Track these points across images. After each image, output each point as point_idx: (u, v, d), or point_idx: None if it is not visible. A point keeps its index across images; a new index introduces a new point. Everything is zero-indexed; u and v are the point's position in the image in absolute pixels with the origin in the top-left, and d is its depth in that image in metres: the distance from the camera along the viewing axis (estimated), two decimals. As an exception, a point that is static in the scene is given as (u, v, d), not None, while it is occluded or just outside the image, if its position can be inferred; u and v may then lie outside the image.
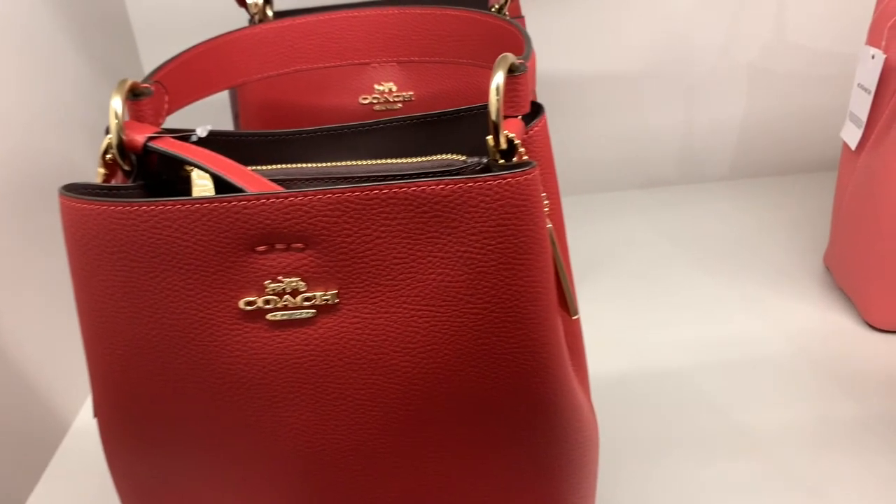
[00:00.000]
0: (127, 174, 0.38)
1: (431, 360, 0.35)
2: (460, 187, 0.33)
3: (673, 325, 0.65)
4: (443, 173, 0.38)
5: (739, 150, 0.88)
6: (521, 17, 0.58)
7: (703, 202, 0.85)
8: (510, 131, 0.36)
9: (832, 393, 0.57)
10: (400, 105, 0.60)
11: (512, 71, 0.36)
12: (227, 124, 0.73)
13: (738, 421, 0.55)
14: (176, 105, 0.44)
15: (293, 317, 0.35)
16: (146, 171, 0.39)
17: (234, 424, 0.37)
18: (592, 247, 0.78)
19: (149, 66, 0.83)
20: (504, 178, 0.33)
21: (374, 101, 0.60)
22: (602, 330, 0.66)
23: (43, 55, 0.64)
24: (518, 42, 0.42)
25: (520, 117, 0.37)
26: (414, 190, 0.33)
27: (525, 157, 0.36)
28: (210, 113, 0.67)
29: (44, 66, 0.64)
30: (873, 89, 0.59)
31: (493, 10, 0.59)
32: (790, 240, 0.76)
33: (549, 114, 0.84)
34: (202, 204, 0.33)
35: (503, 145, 0.35)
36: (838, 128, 0.77)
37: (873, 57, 0.59)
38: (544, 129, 0.39)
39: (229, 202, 0.33)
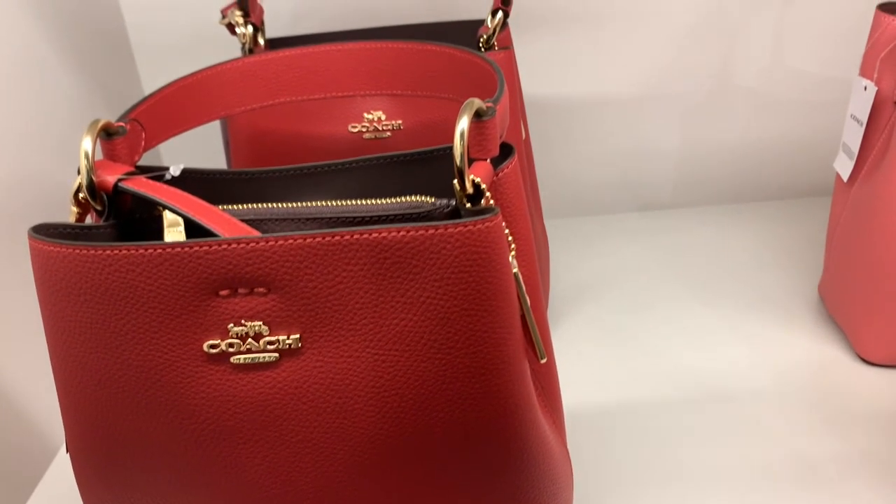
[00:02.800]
0: (99, 213, 0.39)
1: (395, 405, 0.35)
2: (422, 234, 0.33)
3: (659, 357, 0.65)
4: (410, 216, 0.38)
5: (737, 174, 0.88)
6: (507, 49, 0.58)
7: (699, 226, 0.84)
8: (477, 175, 0.36)
9: (821, 428, 0.56)
10: (389, 134, 0.60)
11: (479, 115, 0.36)
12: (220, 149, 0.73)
13: (724, 457, 0.55)
14: (155, 141, 0.44)
15: (256, 360, 0.35)
16: (120, 209, 0.39)
17: (201, 465, 0.37)
18: (583, 271, 0.78)
19: (149, 85, 0.83)
20: (465, 226, 0.33)
21: (364, 130, 0.60)
22: (585, 360, 0.65)
23: (39, 76, 0.64)
24: (494, 81, 0.42)
25: (488, 160, 0.37)
26: (375, 236, 0.33)
27: (491, 202, 0.36)
28: (204, 137, 0.68)
29: (39, 88, 0.64)
30: (865, 121, 0.59)
31: (481, 39, 0.59)
32: (786, 266, 0.75)
33: (546, 137, 0.85)
34: (164, 249, 0.33)
35: (469, 189, 0.35)
36: (836, 153, 0.76)
37: (865, 88, 0.59)
38: (514, 171, 0.39)
39: (191, 248, 0.33)
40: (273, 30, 0.73)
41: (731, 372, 0.62)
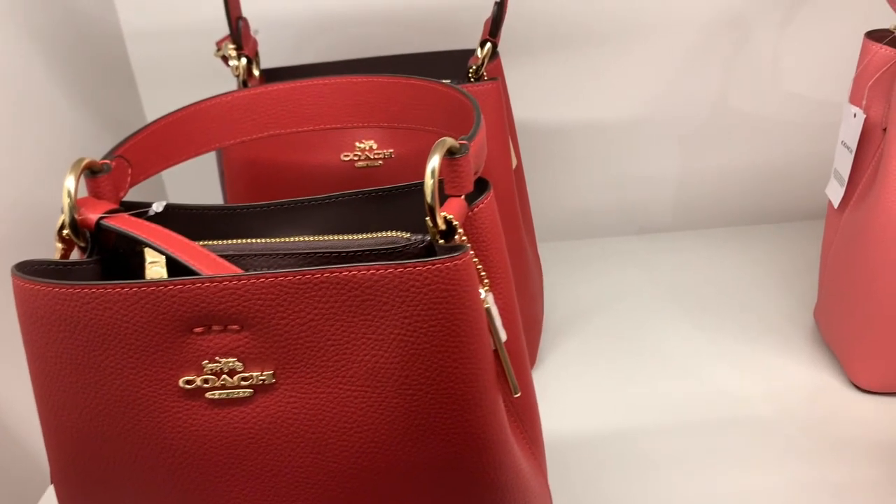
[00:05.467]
0: (83, 250, 0.40)
1: (367, 440, 0.36)
2: (391, 272, 0.34)
3: (651, 382, 0.65)
4: (385, 252, 0.38)
5: (736, 198, 0.88)
6: (496, 80, 0.58)
7: (698, 249, 0.84)
8: (450, 211, 0.36)
9: (814, 456, 0.56)
10: (381, 162, 0.61)
11: (452, 153, 0.37)
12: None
13: (715, 485, 0.54)
14: (143, 176, 0.45)
15: (231, 396, 0.36)
16: (104, 245, 0.40)
17: (180, 498, 0.38)
18: (580, 295, 0.78)
19: (152, 115, 0.85)
20: (434, 264, 0.34)
21: (356, 158, 0.61)
22: (577, 385, 0.65)
23: (42, 105, 0.66)
24: (472, 116, 0.43)
25: (463, 196, 0.38)
26: (345, 275, 0.34)
27: (463, 239, 0.36)
28: (205, 165, 0.69)
29: (43, 117, 0.66)
30: (855, 148, 0.59)
31: (470, 70, 0.60)
32: (784, 290, 0.75)
33: (545, 162, 0.86)
34: (139, 288, 0.34)
35: (441, 226, 0.36)
36: (834, 178, 0.76)
37: (855, 115, 0.59)
38: (490, 206, 0.40)
39: (165, 286, 0.34)
40: (274, 60, 0.74)
41: (724, 399, 0.62)
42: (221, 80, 0.71)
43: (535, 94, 0.83)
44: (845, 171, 0.60)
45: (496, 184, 0.60)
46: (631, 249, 0.86)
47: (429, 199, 0.35)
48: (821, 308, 0.67)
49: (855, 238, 0.59)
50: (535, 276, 0.68)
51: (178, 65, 0.82)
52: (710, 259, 0.82)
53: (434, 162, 0.36)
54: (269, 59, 0.74)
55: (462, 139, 0.38)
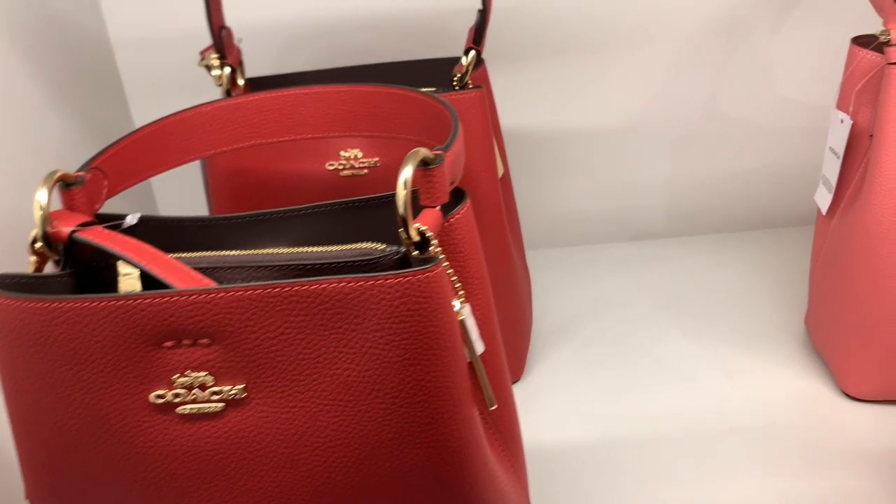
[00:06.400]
0: (57, 263, 0.39)
1: (340, 454, 0.35)
2: (361, 285, 0.33)
3: (640, 391, 0.64)
4: (359, 263, 0.38)
5: (730, 204, 0.87)
6: (479, 88, 0.58)
7: (690, 256, 0.84)
8: (425, 222, 0.36)
9: (804, 466, 0.55)
10: (366, 171, 0.61)
11: (427, 163, 0.37)
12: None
13: (705, 495, 0.54)
14: (120, 187, 0.45)
15: (202, 410, 0.35)
16: (78, 258, 0.40)
17: (153, 512, 0.37)
18: (571, 302, 0.78)
19: (140, 122, 0.85)
20: (405, 277, 0.33)
21: (341, 167, 0.61)
22: (566, 394, 0.65)
23: (28, 115, 0.65)
24: (450, 126, 0.43)
25: (438, 207, 0.38)
26: (315, 288, 0.33)
27: (437, 250, 0.36)
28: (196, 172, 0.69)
29: (29, 127, 0.65)
30: (842, 154, 0.58)
31: (455, 78, 0.59)
32: (777, 297, 0.75)
33: (536, 169, 0.85)
34: (108, 302, 0.34)
35: (415, 238, 0.36)
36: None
37: (842, 121, 0.58)
38: (466, 216, 0.39)
39: (133, 300, 0.34)
40: (262, 68, 0.74)
41: (714, 408, 0.62)
42: (212, 88, 0.70)
43: (526, 100, 0.82)
44: (833, 178, 0.60)
45: (482, 192, 0.60)
46: (623, 256, 0.85)
47: (401, 210, 0.35)
48: (811, 315, 0.66)
49: (843, 245, 0.58)
50: (523, 284, 0.67)
51: (168, 74, 0.82)
52: (703, 265, 0.82)
53: (406, 173, 0.35)
54: (257, 68, 0.74)
55: (438, 149, 0.38)
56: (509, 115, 0.81)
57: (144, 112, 0.84)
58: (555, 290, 0.80)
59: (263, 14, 0.79)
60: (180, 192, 0.85)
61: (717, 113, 0.83)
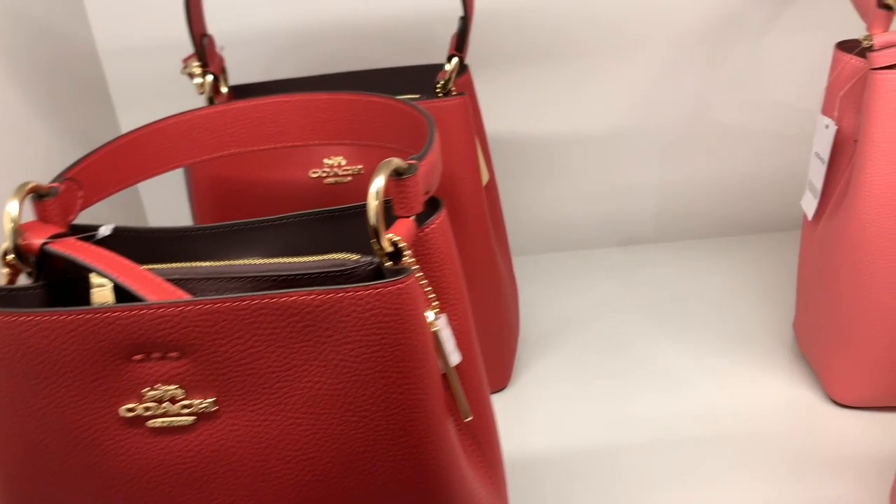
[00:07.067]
0: (29, 275, 0.39)
1: (313, 467, 0.35)
2: (331, 297, 0.33)
3: (628, 398, 0.64)
4: (332, 274, 0.37)
5: (719, 208, 0.87)
6: (462, 95, 0.58)
7: (680, 261, 0.84)
8: (398, 233, 0.36)
9: (791, 473, 0.55)
10: (350, 178, 0.60)
11: (400, 173, 0.36)
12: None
13: (692, 501, 0.53)
14: (96, 197, 0.44)
15: (173, 424, 0.35)
16: (52, 269, 0.40)
17: (125, 527, 0.37)
18: (559, 308, 0.77)
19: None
20: (375, 288, 0.33)
21: (324, 175, 0.60)
22: (553, 401, 0.65)
23: (15, 125, 0.65)
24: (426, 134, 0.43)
25: (413, 217, 0.37)
26: (284, 300, 0.33)
27: (410, 261, 0.36)
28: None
29: (16, 136, 0.65)
30: (827, 159, 0.58)
31: (438, 85, 0.59)
32: (766, 302, 0.74)
33: (524, 175, 0.85)
34: (76, 315, 0.33)
35: (387, 248, 0.35)
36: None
37: (827, 127, 0.58)
38: (442, 226, 0.39)
39: (102, 313, 0.33)
40: (250, 75, 0.74)
41: (703, 414, 0.61)
42: (199, 97, 0.70)
43: (514, 106, 0.82)
44: (819, 183, 0.59)
45: (465, 200, 0.60)
46: (612, 261, 0.85)
47: (372, 220, 0.35)
48: (798, 321, 0.66)
49: (829, 250, 0.58)
50: (509, 291, 0.67)
51: (155, 82, 0.82)
52: (694, 270, 0.81)
53: (378, 183, 0.35)
54: (245, 75, 0.73)
55: (412, 158, 0.38)
56: (497, 121, 0.81)
57: (132, 121, 0.84)
58: (543, 296, 0.80)
59: (252, 22, 0.79)
60: (169, 200, 0.85)
61: (706, 117, 0.83)
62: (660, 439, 0.59)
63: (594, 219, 0.87)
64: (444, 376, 0.37)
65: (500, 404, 0.65)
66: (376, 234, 0.35)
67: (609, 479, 0.56)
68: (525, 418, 0.63)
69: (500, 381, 0.67)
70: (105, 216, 0.77)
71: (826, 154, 0.58)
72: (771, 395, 0.63)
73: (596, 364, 0.69)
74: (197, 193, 0.62)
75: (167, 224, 0.65)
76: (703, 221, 0.87)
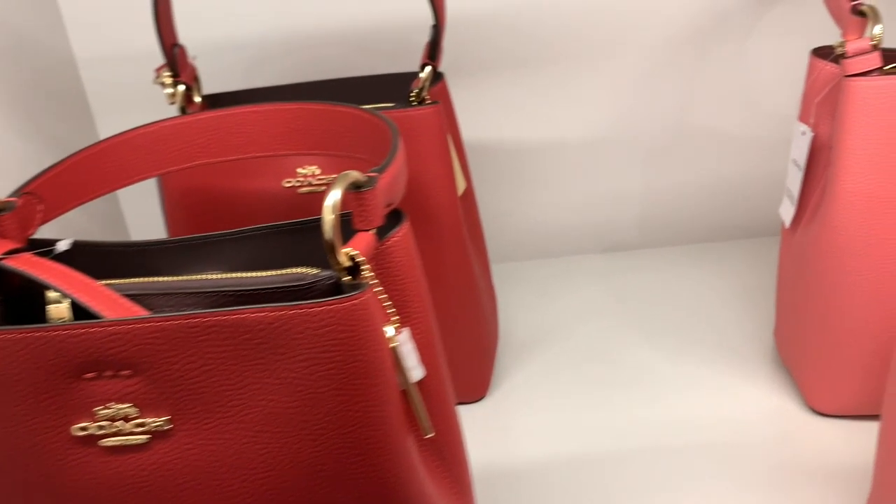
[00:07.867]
0: (-15, 291, 0.38)
1: (269, 485, 0.34)
2: (282, 315, 0.32)
3: (609, 408, 0.63)
4: (291, 289, 0.37)
5: (703, 214, 0.86)
6: (436, 103, 0.57)
7: (663, 267, 0.83)
8: (357, 247, 0.35)
9: (771, 483, 0.54)
10: (324, 188, 0.60)
11: (359, 186, 0.36)
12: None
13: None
14: (58, 211, 0.44)
15: (127, 442, 0.34)
16: (9, 285, 0.39)
17: (81, 547, 0.36)
18: (540, 316, 0.77)
19: (108, 141, 0.84)
20: (329, 305, 0.32)
21: (298, 185, 0.60)
22: (532, 411, 0.64)
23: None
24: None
25: (373, 230, 0.37)
26: (236, 317, 0.32)
27: (369, 275, 0.35)
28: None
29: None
30: (804, 166, 0.58)
31: (412, 93, 0.59)
32: (747, 309, 0.74)
33: (506, 182, 0.85)
34: (26, 333, 0.33)
35: (344, 263, 0.35)
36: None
37: (803, 133, 0.58)
38: (404, 239, 0.38)
39: (52, 331, 0.33)
40: (228, 83, 0.73)
41: (683, 424, 0.61)
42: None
43: (492, 113, 0.82)
44: (796, 190, 0.59)
45: (440, 209, 0.60)
46: (594, 268, 0.85)
47: (328, 235, 0.34)
48: (779, 329, 0.65)
49: (806, 258, 0.58)
50: (486, 301, 0.66)
51: (134, 91, 0.81)
52: (677, 277, 0.81)
53: (334, 196, 0.34)
54: (222, 84, 0.73)
55: (372, 171, 0.37)
56: (474, 128, 0.80)
57: (111, 130, 0.82)
58: (524, 303, 0.79)
59: (228, 30, 0.79)
60: (150, 211, 0.84)
61: (688, 123, 0.82)
62: (640, 448, 0.59)
63: (576, 225, 0.87)
64: (403, 392, 0.36)
65: (479, 414, 0.65)
66: (332, 249, 0.34)
67: (589, 488, 0.56)
68: (504, 428, 0.63)
69: (479, 390, 0.66)
70: (84, 227, 0.77)
71: (803, 161, 0.58)
72: (752, 403, 0.62)
73: (576, 372, 0.68)
74: (169, 204, 0.61)
75: (149, 236, 0.65)
76: (686, 227, 0.87)
